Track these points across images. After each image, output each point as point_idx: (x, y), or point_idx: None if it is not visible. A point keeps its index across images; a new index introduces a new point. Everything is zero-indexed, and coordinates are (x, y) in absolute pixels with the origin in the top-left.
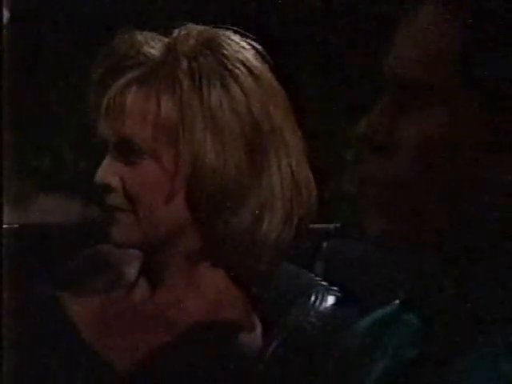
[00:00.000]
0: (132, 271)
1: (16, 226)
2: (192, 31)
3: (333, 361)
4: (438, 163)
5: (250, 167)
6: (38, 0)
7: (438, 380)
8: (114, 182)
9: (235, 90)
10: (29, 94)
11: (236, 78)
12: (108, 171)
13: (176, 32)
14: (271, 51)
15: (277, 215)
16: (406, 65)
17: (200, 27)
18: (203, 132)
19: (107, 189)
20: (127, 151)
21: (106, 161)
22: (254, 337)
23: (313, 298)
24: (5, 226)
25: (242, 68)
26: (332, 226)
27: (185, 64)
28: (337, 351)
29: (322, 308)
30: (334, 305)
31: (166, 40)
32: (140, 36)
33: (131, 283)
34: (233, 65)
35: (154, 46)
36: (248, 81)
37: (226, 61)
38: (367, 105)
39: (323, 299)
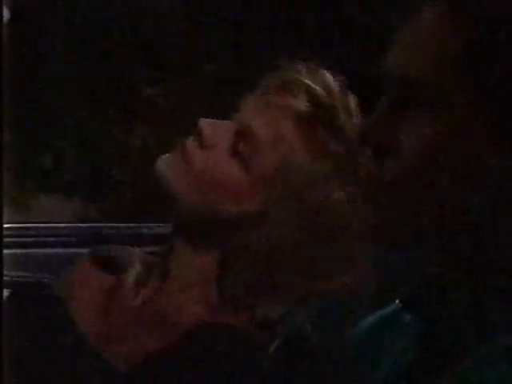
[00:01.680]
0: (133, 272)
1: (16, 225)
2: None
3: (333, 361)
4: (439, 164)
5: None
6: (38, 0)
7: (437, 381)
8: (206, 129)
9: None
10: (29, 93)
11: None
12: (216, 124)
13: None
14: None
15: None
16: (407, 66)
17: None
18: (290, 184)
19: (198, 129)
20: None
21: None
22: (254, 337)
23: None
24: (5, 226)
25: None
26: None
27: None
28: (337, 351)
29: (322, 308)
30: (334, 305)
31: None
32: (302, 69)
33: (133, 283)
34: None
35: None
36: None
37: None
38: (368, 105)
39: (324, 299)
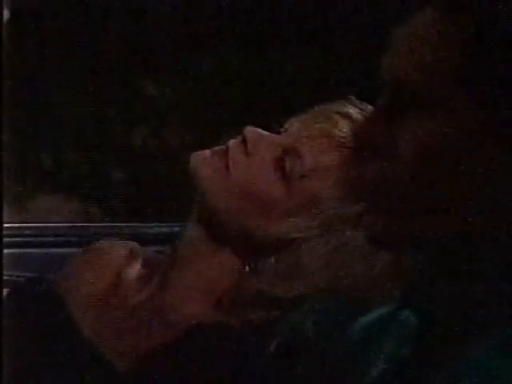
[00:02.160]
0: (133, 270)
1: (16, 225)
2: None
3: (331, 360)
4: (439, 164)
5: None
6: (38, 0)
7: (435, 380)
8: (253, 137)
9: None
10: (29, 93)
11: None
12: (263, 134)
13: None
14: (262, 48)
15: None
16: (404, 69)
17: None
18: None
19: (243, 136)
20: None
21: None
22: (253, 337)
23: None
24: (5, 226)
25: None
26: None
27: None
28: (335, 350)
29: (321, 307)
30: (332, 304)
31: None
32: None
33: (134, 280)
34: None
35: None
36: None
37: None
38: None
39: (323, 298)
